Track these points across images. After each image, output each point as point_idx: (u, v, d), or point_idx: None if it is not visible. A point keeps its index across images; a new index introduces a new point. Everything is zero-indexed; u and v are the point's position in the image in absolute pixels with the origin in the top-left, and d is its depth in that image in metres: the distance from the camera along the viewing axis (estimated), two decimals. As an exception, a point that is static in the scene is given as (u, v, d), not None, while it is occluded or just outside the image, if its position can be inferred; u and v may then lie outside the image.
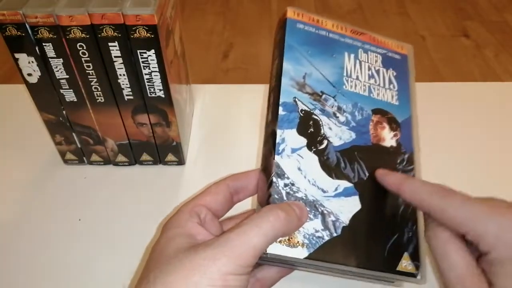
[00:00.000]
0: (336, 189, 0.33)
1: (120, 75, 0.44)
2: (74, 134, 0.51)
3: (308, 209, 0.31)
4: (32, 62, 0.43)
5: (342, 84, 0.37)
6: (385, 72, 0.40)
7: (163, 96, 0.46)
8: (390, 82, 0.39)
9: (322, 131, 0.34)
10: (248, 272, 0.26)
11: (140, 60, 0.43)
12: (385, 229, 0.33)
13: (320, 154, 0.33)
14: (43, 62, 0.43)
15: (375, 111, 0.37)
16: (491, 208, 0.27)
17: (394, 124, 0.38)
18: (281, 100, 0.34)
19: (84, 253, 0.45)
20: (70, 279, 0.43)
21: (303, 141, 0.33)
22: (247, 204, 0.36)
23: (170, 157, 0.54)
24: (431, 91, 0.66)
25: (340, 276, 0.32)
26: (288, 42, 0.36)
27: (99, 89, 0.46)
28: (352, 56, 0.39)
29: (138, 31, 0.40)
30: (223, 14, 0.90)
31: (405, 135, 0.38)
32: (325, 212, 0.31)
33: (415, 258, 0.32)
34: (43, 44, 0.42)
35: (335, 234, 0.31)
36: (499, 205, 0.28)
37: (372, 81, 0.38)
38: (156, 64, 0.43)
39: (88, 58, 0.43)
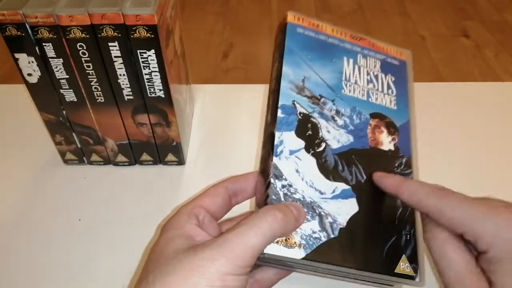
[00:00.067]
0: (333, 191, 0.33)
1: (120, 75, 0.44)
2: (74, 134, 0.51)
3: (305, 210, 0.31)
4: (32, 62, 0.43)
5: (340, 88, 0.37)
6: (384, 77, 0.40)
7: (163, 96, 0.46)
8: (389, 87, 0.40)
9: (320, 134, 0.35)
10: (247, 273, 0.26)
11: (140, 60, 0.43)
12: (383, 231, 0.33)
13: (318, 156, 0.34)
14: (43, 62, 0.43)
15: (373, 115, 0.38)
16: (488, 208, 0.28)
17: (392, 128, 0.38)
18: (280, 103, 0.34)
19: (84, 253, 0.45)
20: (70, 279, 0.43)
21: (301, 143, 0.34)
22: (245, 206, 0.36)
23: (170, 157, 0.54)
24: (431, 91, 0.66)
25: (337, 279, 0.32)
26: (288, 46, 0.37)
27: (99, 89, 0.46)
28: (351, 61, 0.39)
29: (138, 31, 0.40)
30: (223, 14, 0.90)
31: (403, 139, 0.38)
32: (322, 213, 0.31)
33: (413, 260, 0.32)
34: (43, 44, 0.42)
35: (332, 236, 0.31)
36: (495, 204, 0.28)
37: (370, 85, 0.39)
38: (156, 64, 0.43)
39: (88, 58, 0.43)
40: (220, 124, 0.61)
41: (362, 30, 0.83)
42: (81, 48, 0.42)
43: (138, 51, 0.42)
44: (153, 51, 0.42)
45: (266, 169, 0.32)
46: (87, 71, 0.44)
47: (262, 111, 0.38)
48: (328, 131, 0.35)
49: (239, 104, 0.64)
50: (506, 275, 0.26)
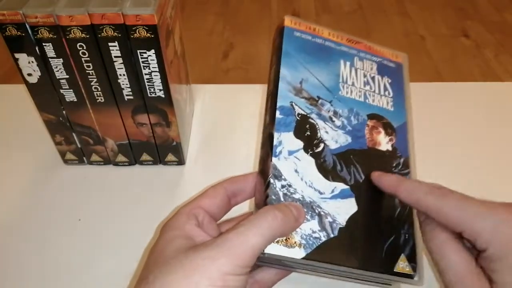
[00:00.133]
0: (332, 191, 0.33)
1: (120, 75, 0.44)
2: (74, 134, 0.51)
3: (305, 210, 0.31)
4: (32, 62, 0.43)
5: (338, 90, 0.38)
6: (380, 79, 0.41)
7: (163, 96, 0.46)
8: (385, 89, 0.40)
9: (318, 135, 0.35)
10: (247, 273, 0.26)
11: (140, 60, 0.43)
12: (381, 231, 0.33)
13: (317, 156, 0.34)
14: (43, 62, 0.43)
15: (371, 116, 0.38)
16: (486, 206, 0.28)
17: (389, 129, 0.38)
18: (278, 104, 0.35)
19: (84, 253, 0.45)
20: (70, 279, 0.43)
21: (300, 144, 0.34)
22: (244, 207, 0.36)
23: (170, 157, 0.54)
24: (431, 91, 0.66)
25: (336, 278, 0.32)
26: (285, 49, 0.37)
27: (99, 89, 0.46)
28: (348, 63, 0.40)
29: (138, 31, 0.40)
30: (223, 14, 0.90)
31: (401, 140, 0.38)
32: (322, 213, 0.32)
33: (412, 259, 0.33)
34: (43, 44, 0.42)
35: (332, 235, 0.31)
36: (493, 203, 0.28)
37: (367, 87, 0.39)
38: (156, 64, 0.43)
39: (88, 58, 0.43)
40: (220, 124, 0.61)
41: (362, 30, 0.83)
42: (81, 48, 0.42)
43: (138, 51, 0.42)
44: (153, 51, 0.42)
45: (265, 170, 0.33)
46: (87, 71, 0.44)
47: (262, 111, 0.38)
48: (326, 132, 0.35)
49: (239, 104, 0.64)
50: (506, 272, 0.27)
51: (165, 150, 0.53)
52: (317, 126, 0.35)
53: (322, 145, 0.35)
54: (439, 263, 0.29)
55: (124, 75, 0.44)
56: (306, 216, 0.31)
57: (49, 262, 0.45)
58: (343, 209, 0.33)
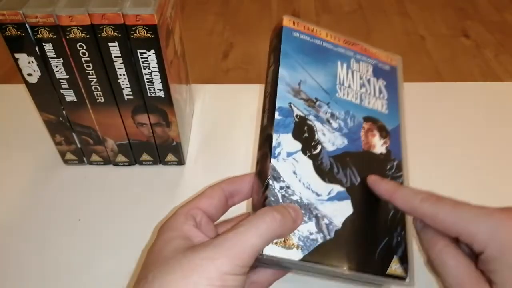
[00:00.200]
0: (329, 193, 0.33)
1: (120, 75, 0.44)
2: (74, 134, 0.51)
3: (302, 211, 0.31)
4: (32, 62, 0.43)
5: (335, 92, 0.38)
6: (376, 81, 0.41)
7: (163, 96, 0.46)
8: (380, 91, 0.41)
9: (316, 137, 0.35)
10: (245, 273, 0.27)
11: (140, 60, 0.43)
12: (375, 233, 0.34)
13: (314, 158, 0.34)
14: (43, 62, 0.43)
15: (366, 119, 0.38)
16: (480, 210, 0.29)
17: (384, 132, 0.39)
18: (277, 105, 0.35)
19: (84, 253, 0.45)
20: (69, 279, 0.43)
21: (298, 145, 0.34)
22: (242, 208, 0.36)
23: (170, 157, 0.54)
24: (431, 91, 0.66)
25: (332, 279, 0.33)
26: (284, 49, 0.37)
27: (99, 89, 0.46)
28: (345, 65, 0.40)
29: (138, 31, 0.40)
30: (223, 14, 0.90)
31: (394, 143, 0.39)
32: (319, 215, 0.32)
33: (404, 261, 0.33)
34: (43, 44, 0.42)
35: (328, 237, 0.31)
36: (487, 208, 0.29)
37: (363, 90, 0.40)
38: (156, 64, 0.43)
39: (88, 58, 0.43)
40: (220, 124, 0.61)
41: (362, 30, 0.83)
42: (81, 48, 0.42)
43: (138, 51, 0.42)
44: (153, 51, 0.42)
45: (263, 171, 0.33)
46: (87, 71, 0.44)
47: (261, 111, 0.38)
48: (324, 134, 0.36)
49: (239, 104, 0.64)
50: (504, 271, 0.27)
51: (165, 150, 0.53)
52: (315, 128, 0.35)
53: (319, 147, 0.35)
54: (439, 270, 0.30)
55: (124, 75, 0.44)
56: (304, 218, 0.31)
57: (49, 262, 0.45)
58: (339, 211, 0.33)
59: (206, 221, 0.32)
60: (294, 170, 0.33)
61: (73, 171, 0.54)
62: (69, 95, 0.46)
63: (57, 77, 0.45)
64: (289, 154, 0.33)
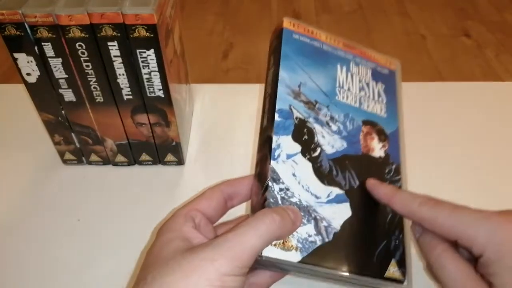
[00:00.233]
0: (328, 196, 0.33)
1: (120, 74, 0.44)
2: (73, 134, 0.51)
3: (302, 214, 0.31)
4: (31, 61, 0.43)
5: (335, 95, 0.38)
6: (375, 85, 0.41)
7: (162, 96, 0.46)
8: (379, 95, 0.41)
9: (315, 139, 0.35)
10: (245, 274, 0.27)
11: (140, 59, 0.43)
12: (374, 236, 0.34)
13: (314, 161, 0.34)
14: (42, 62, 0.43)
15: (365, 122, 0.38)
16: (478, 213, 0.29)
17: (382, 135, 0.39)
18: (277, 107, 0.35)
19: (83, 253, 0.45)
20: (69, 279, 0.43)
21: (297, 147, 0.34)
22: (241, 210, 0.36)
23: (170, 157, 0.53)
24: (432, 91, 0.66)
25: (329, 282, 0.33)
26: (284, 51, 0.37)
27: (98, 89, 0.46)
28: (344, 68, 0.40)
29: (138, 30, 0.40)
30: (223, 14, 0.90)
31: (393, 147, 0.39)
32: (318, 217, 0.32)
33: (402, 265, 0.33)
34: (42, 43, 0.42)
35: (327, 240, 0.31)
36: (485, 211, 0.29)
37: (362, 93, 0.40)
38: (156, 64, 0.43)
39: (87, 58, 0.43)
40: (220, 124, 0.61)
41: (362, 30, 0.83)
42: (80, 48, 0.42)
43: (138, 50, 0.42)
44: (152, 50, 0.42)
45: (263, 173, 0.33)
46: (86, 71, 0.44)
47: (261, 111, 0.38)
48: (323, 136, 0.36)
49: (238, 104, 0.64)
50: (503, 274, 0.27)
51: (165, 150, 0.53)
52: (314, 131, 0.35)
53: (319, 150, 0.35)
54: (438, 275, 0.30)
55: (123, 74, 0.44)
56: (303, 220, 0.31)
57: (48, 262, 0.44)
58: (338, 214, 0.33)
59: (205, 222, 0.32)
60: (293, 172, 0.33)
61: (72, 171, 0.54)
62: (68, 95, 0.46)
63: (56, 77, 0.45)
64: (288, 156, 0.33)
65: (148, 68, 0.43)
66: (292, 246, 0.30)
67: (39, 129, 0.53)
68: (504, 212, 0.29)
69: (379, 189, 0.34)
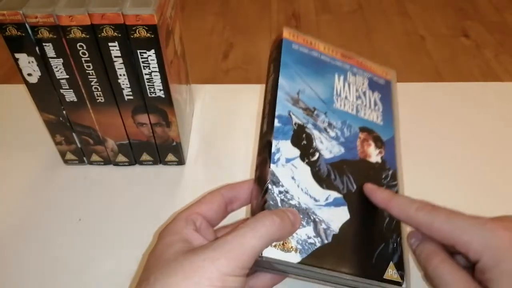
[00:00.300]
0: (327, 199, 0.34)
1: (120, 75, 0.44)
2: (74, 134, 0.51)
3: (301, 216, 0.32)
4: (32, 62, 0.44)
5: (332, 102, 0.39)
6: (371, 94, 0.42)
7: (163, 96, 0.46)
8: (375, 103, 0.42)
9: (314, 144, 0.36)
10: (245, 274, 0.27)
11: (140, 60, 0.43)
12: (372, 239, 0.34)
13: (312, 165, 0.35)
14: (43, 62, 0.44)
15: (362, 129, 0.39)
16: (473, 220, 0.29)
17: (379, 142, 0.40)
18: (277, 113, 0.35)
19: (85, 253, 0.45)
20: (70, 279, 0.43)
21: (296, 152, 0.35)
22: (241, 214, 0.36)
23: (170, 157, 0.54)
24: (431, 91, 0.66)
25: (328, 284, 0.33)
26: (284, 60, 0.38)
27: (99, 89, 0.46)
28: (342, 77, 0.41)
29: (138, 31, 0.41)
30: (223, 14, 0.90)
31: (389, 153, 0.40)
32: (317, 220, 0.32)
33: (400, 267, 0.34)
34: (43, 44, 0.42)
35: (326, 241, 0.32)
36: (481, 217, 0.29)
37: (359, 101, 0.41)
38: (156, 64, 0.43)
39: (88, 58, 0.43)
40: (220, 124, 0.61)
41: (362, 30, 0.83)
42: (81, 48, 0.42)
43: (138, 51, 0.42)
44: (153, 51, 0.42)
45: (263, 176, 0.33)
46: (87, 71, 0.44)
47: (261, 111, 0.39)
48: (321, 142, 0.36)
49: (239, 104, 0.64)
50: (500, 279, 0.27)
51: (165, 150, 0.53)
52: (313, 136, 0.36)
53: (317, 154, 0.36)
54: (436, 282, 0.30)
55: (124, 75, 0.44)
56: (302, 222, 0.32)
57: (49, 262, 0.45)
58: (336, 217, 0.33)
59: (206, 225, 0.32)
60: (292, 176, 0.33)
61: (73, 171, 0.54)
62: (69, 95, 0.47)
63: (57, 77, 0.45)
64: (288, 160, 0.34)
65: (149, 69, 0.44)
66: (291, 247, 0.30)
67: (40, 129, 0.53)
68: (498, 219, 0.29)
69: (376, 193, 0.34)
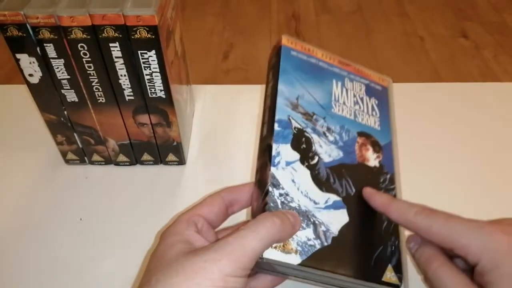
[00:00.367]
0: (326, 202, 0.34)
1: (121, 75, 0.45)
2: (75, 134, 0.51)
3: (301, 218, 0.32)
4: (34, 62, 0.44)
5: (331, 107, 0.40)
6: (368, 100, 0.43)
7: (163, 96, 0.46)
8: (373, 109, 0.43)
9: (313, 148, 0.37)
10: (246, 275, 0.27)
11: (141, 60, 0.43)
12: (370, 242, 0.35)
13: (312, 168, 0.35)
14: (44, 63, 0.44)
15: (360, 134, 0.40)
16: (471, 223, 0.29)
17: (377, 146, 0.40)
18: (276, 117, 0.36)
19: (85, 252, 0.45)
20: (70, 279, 0.43)
21: (296, 155, 0.35)
22: (242, 216, 0.37)
23: (171, 157, 0.54)
24: (430, 92, 0.66)
25: (326, 286, 0.33)
26: (283, 66, 0.39)
27: (100, 90, 0.46)
28: (340, 83, 0.42)
29: (139, 31, 0.41)
30: (223, 15, 0.90)
31: (387, 157, 0.40)
32: (316, 222, 0.33)
33: (398, 270, 0.34)
34: (44, 44, 0.42)
35: (325, 244, 0.32)
36: (478, 221, 0.30)
37: (357, 107, 0.42)
38: (157, 65, 0.43)
39: (89, 59, 0.43)
40: (220, 124, 0.61)
41: (362, 30, 0.83)
42: (82, 49, 0.42)
43: (139, 51, 0.42)
44: (153, 51, 0.42)
45: (263, 179, 0.34)
46: (88, 72, 0.44)
47: (261, 111, 0.39)
48: (321, 146, 0.37)
49: (239, 104, 0.64)
50: (499, 282, 0.28)
51: (166, 150, 0.53)
52: (312, 140, 0.37)
53: (316, 158, 0.36)
54: (436, 286, 0.31)
55: (125, 75, 0.45)
56: (302, 224, 0.32)
57: (49, 262, 0.45)
58: (336, 219, 0.34)
59: (207, 227, 0.33)
60: (292, 179, 0.34)
61: (74, 171, 0.54)
62: (71, 96, 0.47)
63: (58, 78, 0.45)
64: (288, 163, 0.34)
65: (150, 69, 0.44)
66: (292, 249, 0.31)
67: (42, 130, 0.53)
68: (496, 222, 0.29)
69: (375, 197, 0.35)
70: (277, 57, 0.40)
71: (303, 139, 0.36)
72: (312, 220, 0.33)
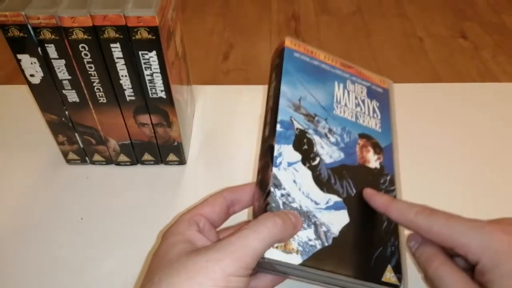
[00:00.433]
0: (327, 202, 0.35)
1: (122, 76, 0.45)
2: (76, 134, 0.51)
3: (302, 218, 0.32)
4: (35, 63, 0.44)
5: (332, 109, 0.40)
6: (370, 102, 0.43)
7: (164, 96, 0.46)
8: (374, 111, 0.43)
9: (315, 149, 0.37)
10: (248, 275, 0.28)
11: (142, 61, 0.43)
12: (370, 242, 0.35)
13: (313, 169, 0.36)
14: (46, 63, 0.44)
15: (361, 135, 0.40)
16: (471, 223, 0.30)
17: (377, 148, 0.41)
18: (279, 118, 0.36)
19: (86, 252, 0.46)
20: (71, 279, 0.44)
21: (298, 156, 0.36)
22: (243, 216, 0.37)
23: (172, 157, 0.54)
24: (429, 92, 0.66)
25: (326, 286, 0.33)
26: (286, 67, 0.39)
27: (101, 90, 0.46)
28: (341, 85, 0.42)
29: (140, 32, 0.41)
30: (223, 15, 0.90)
31: (387, 159, 0.41)
32: (317, 222, 0.33)
33: (398, 270, 0.34)
34: (46, 45, 0.42)
35: (326, 244, 0.32)
36: (479, 220, 0.30)
37: (358, 109, 0.42)
38: (158, 65, 0.44)
39: (90, 59, 0.43)
40: (221, 124, 0.61)
41: (361, 31, 0.84)
42: (83, 49, 0.43)
43: (140, 52, 0.43)
44: (154, 52, 0.43)
45: (265, 179, 0.34)
46: (89, 72, 0.45)
47: (262, 111, 0.39)
48: (322, 147, 0.37)
49: (239, 104, 0.65)
50: (500, 281, 0.28)
51: (167, 150, 0.53)
52: (313, 141, 0.37)
53: (318, 159, 0.36)
54: (437, 286, 0.31)
55: (126, 76, 0.45)
56: (303, 224, 0.32)
57: (50, 262, 0.45)
58: (336, 220, 0.34)
59: (208, 227, 0.33)
60: (294, 179, 0.34)
61: (75, 171, 0.55)
62: (72, 96, 0.47)
63: (60, 78, 0.45)
64: (289, 164, 0.35)
65: (150, 70, 0.44)
66: (293, 249, 0.31)
67: (43, 130, 0.53)
68: (496, 221, 0.30)
69: (376, 198, 0.35)
70: (280, 59, 0.40)
71: (305, 140, 0.37)
72: (313, 220, 0.33)
